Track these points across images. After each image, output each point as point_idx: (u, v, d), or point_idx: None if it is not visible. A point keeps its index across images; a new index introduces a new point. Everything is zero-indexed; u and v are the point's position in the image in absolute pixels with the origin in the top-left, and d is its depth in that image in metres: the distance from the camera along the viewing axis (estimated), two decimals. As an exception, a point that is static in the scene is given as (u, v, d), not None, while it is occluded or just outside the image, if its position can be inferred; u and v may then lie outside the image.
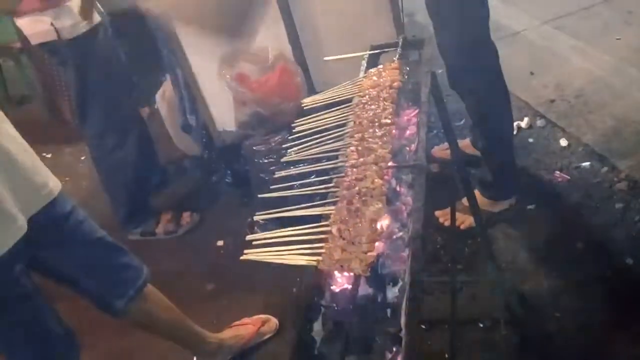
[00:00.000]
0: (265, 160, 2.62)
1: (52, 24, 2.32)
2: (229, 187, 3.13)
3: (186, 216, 2.97)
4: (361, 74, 1.60)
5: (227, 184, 3.15)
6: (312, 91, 2.64)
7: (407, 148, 1.33)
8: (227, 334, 2.24)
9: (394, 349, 0.89)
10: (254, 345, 2.25)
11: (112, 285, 1.79)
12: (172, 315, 1.99)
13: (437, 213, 2.55)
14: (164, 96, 3.22)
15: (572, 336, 1.98)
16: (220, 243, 2.83)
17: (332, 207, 1.15)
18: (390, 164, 1.23)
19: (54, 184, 1.63)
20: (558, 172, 2.66)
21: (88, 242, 1.72)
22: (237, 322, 2.30)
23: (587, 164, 2.66)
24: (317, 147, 1.40)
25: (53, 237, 1.64)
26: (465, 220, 2.44)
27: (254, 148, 2.66)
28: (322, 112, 1.51)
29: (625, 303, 2.02)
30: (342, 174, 1.23)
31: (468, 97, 2.37)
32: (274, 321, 2.31)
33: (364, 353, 0.90)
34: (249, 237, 1.18)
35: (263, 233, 1.17)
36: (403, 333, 0.89)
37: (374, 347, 0.91)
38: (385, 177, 1.19)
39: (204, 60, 2.68)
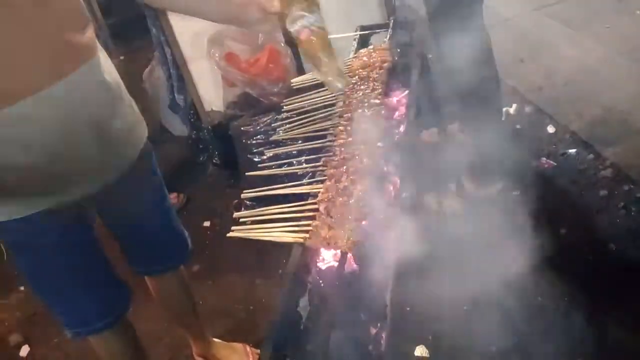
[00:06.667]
0: (253, 141, 2.61)
1: None
2: (216, 168, 3.12)
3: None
4: (351, 55, 1.60)
5: (214, 164, 3.14)
6: (301, 71, 2.62)
7: (396, 129, 1.34)
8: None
9: (379, 325, 0.90)
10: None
11: (155, 254, 1.74)
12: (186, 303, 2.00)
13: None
14: (152, 74, 3.18)
15: (554, 320, 2.00)
16: (206, 224, 2.82)
17: (320, 186, 1.15)
18: (378, 144, 1.23)
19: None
20: (544, 158, 2.67)
21: (160, 206, 1.69)
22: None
23: (573, 151, 2.67)
24: (306, 126, 1.40)
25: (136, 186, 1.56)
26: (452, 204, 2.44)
27: (242, 129, 2.64)
28: (311, 92, 1.51)
29: (607, 288, 2.05)
30: (331, 153, 1.23)
31: (460, 82, 2.36)
32: None
33: (349, 328, 0.90)
34: (236, 215, 1.18)
35: (251, 210, 1.17)
36: (388, 310, 0.89)
37: (359, 323, 0.92)
38: (374, 156, 1.20)
39: (192, 38, 2.65)
